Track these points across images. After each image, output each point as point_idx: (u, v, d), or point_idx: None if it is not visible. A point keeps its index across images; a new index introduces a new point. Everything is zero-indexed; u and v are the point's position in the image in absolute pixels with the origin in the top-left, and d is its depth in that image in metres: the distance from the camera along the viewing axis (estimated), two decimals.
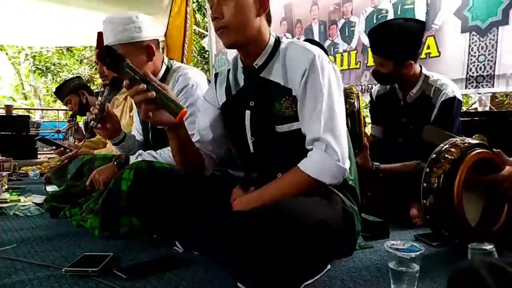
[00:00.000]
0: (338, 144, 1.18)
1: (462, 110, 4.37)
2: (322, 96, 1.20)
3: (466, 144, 1.34)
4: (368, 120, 2.96)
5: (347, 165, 1.19)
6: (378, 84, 2.34)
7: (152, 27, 1.72)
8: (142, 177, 1.38)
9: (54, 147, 2.66)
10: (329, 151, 1.16)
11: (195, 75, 1.77)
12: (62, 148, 2.65)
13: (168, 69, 1.82)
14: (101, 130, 1.72)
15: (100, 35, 1.96)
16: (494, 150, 1.34)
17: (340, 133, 1.20)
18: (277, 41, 1.31)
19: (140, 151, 1.79)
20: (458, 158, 1.29)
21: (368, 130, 2.46)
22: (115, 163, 1.77)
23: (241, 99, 1.37)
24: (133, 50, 1.65)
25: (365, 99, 3.59)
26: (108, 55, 1.18)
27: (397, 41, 1.93)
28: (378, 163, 2.00)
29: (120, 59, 1.15)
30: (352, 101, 1.92)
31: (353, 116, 1.90)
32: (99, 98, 2.01)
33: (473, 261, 0.62)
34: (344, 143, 1.21)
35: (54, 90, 3.86)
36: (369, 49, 3.44)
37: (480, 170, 1.33)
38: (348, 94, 1.96)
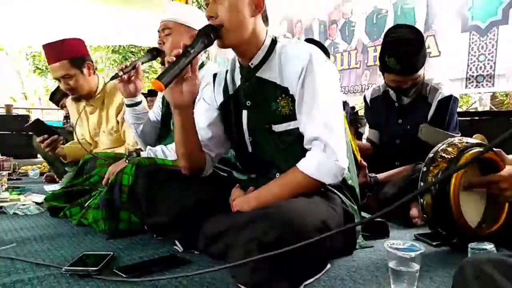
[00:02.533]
0: (337, 143, 1.18)
1: (462, 110, 4.38)
2: (319, 94, 1.20)
3: (464, 144, 1.34)
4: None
5: (345, 164, 1.20)
6: (372, 87, 2.34)
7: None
8: (143, 173, 1.38)
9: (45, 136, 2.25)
10: (328, 150, 1.16)
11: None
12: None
13: (202, 64, 1.86)
14: (122, 83, 1.79)
15: (46, 48, 2.15)
16: (494, 149, 1.34)
17: (338, 132, 1.21)
18: (274, 41, 1.31)
19: (149, 147, 1.82)
20: (455, 158, 1.30)
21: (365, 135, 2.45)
22: (126, 161, 1.78)
23: (238, 99, 1.38)
24: (182, 31, 1.76)
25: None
26: (208, 29, 1.24)
27: (421, 52, 1.91)
28: (375, 175, 2.00)
29: (207, 32, 1.23)
30: None
31: None
32: None
33: (475, 256, 0.64)
34: (342, 142, 1.21)
35: (50, 94, 3.85)
36: (372, 54, 3.44)
37: (482, 171, 1.33)
38: None
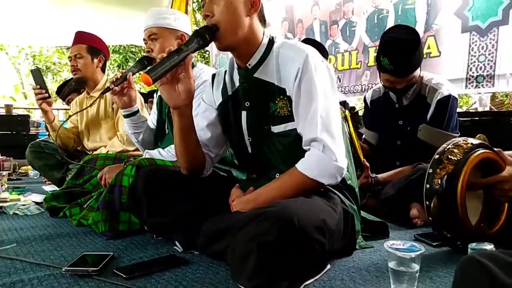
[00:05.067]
0: (335, 143, 1.18)
1: (462, 110, 4.38)
2: (316, 95, 1.19)
3: (469, 145, 1.33)
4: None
5: (344, 164, 1.20)
6: (372, 89, 2.34)
7: (187, 25, 1.90)
8: (143, 173, 1.38)
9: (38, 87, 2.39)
10: (327, 151, 1.16)
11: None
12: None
13: (192, 65, 1.85)
14: (117, 95, 1.79)
15: (75, 34, 2.48)
16: (495, 149, 1.34)
17: (336, 132, 1.21)
18: (271, 41, 1.31)
19: (147, 150, 1.82)
20: (461, 160, 1.29)
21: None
22: (125, 165, 1.78)
23: (237, 99, 1.38)
24: (168, 35, 1.80)
25: None
26: (204, 30, 1.24)
27: (416, 54, 1.91)
28: (376, 175, 2.00)
29: (203, 33, 1.23)
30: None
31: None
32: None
33: (475, 253, 0.66)
34: (340, 142, 1.21)
35: (56, 89, 3.86)
36: (374, 54, 3.44)
37: (481, 170, 1.33)
38: None
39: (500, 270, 0.59)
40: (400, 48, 1.89)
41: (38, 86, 2.36)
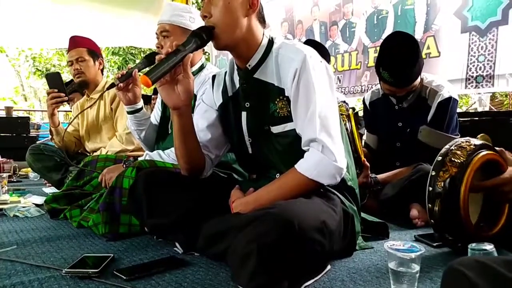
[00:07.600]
0: (334, 144, 1.18)
1: (462, 111, 4.37)
2: (315, 96, 1.19)
3: (471, 147, 1.33)
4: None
5: (344, 164, 1.20)
6: (371, 90, 2.34)
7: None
8: (143, 175, 1.38)
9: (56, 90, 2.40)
10: (326, 151, 1.16)
11: None
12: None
13: (202, 67, 1.86)
14: (121, 91, 1.76)
15: (71, 39, 2.51)
16: (497, 149, 1.34)
17: (335, 132, 1.21)
18: (270, 42, 1.31)
19: (147, 151, 1.82)
20: (464, 162, 1.28)
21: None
22: (124, 165, 1.78)
23: (237, 100, 1.38)
24: (180, 33, 1.73)
25: None
26: (201, 30, 1.25)
27: (416, 66, 1.90)
28: (375, 175, 2.00)
29: (200, 33, 1.24)
30: (344, 123, 1.88)
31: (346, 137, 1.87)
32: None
33: (463, 260, 0.64)
34: (339, 143, 1.21)
35: None
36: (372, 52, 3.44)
37: (483, 170, 1.33)
38: None
39: (483, 281, 0.58)
40: (399, 62, 1.88)
41: (56, 90, 2.37)
